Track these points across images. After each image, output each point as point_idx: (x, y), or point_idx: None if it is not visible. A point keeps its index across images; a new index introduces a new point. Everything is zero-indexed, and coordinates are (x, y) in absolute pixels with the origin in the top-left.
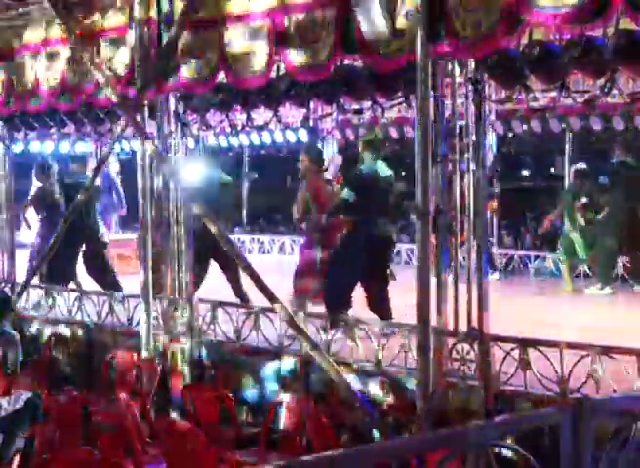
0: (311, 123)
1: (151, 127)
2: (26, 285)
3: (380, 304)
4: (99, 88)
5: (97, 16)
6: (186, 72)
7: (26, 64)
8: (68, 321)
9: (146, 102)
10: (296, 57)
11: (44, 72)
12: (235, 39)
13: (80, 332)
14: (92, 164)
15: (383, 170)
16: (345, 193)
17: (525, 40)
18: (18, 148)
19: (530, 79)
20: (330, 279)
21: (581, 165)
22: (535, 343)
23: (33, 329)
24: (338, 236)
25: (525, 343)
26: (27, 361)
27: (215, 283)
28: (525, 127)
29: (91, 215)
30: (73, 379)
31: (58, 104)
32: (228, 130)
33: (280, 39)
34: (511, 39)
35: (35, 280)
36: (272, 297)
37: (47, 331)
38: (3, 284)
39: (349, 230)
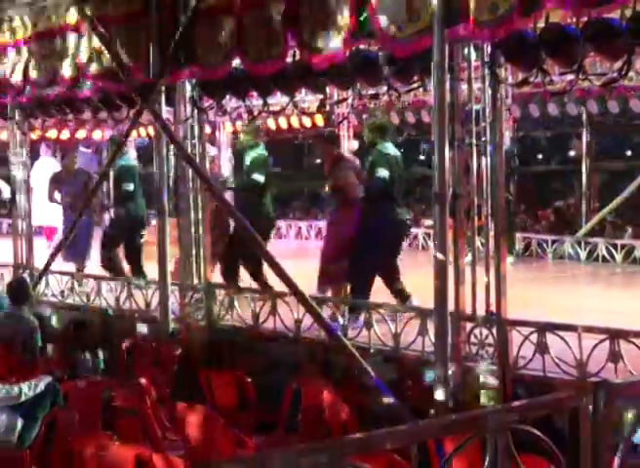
0: (327, 108)
1: (168, 113)
2: (45, 270)
3: (399, 285)
4: (115, 74)
5: (112, 1)
6: (202, 58)
7: (43, 51)
8: (87, 306)
9: (163, 89)
10: (311, 41)
11: (60, 59)
12: (250, 24)
13: (99, 318)
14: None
15: (395, 151)
16: (382, 172)
17: (542, 23)
18: (35, 135)
19: (547, 62)
20: (358, 262)
21: None
22: (553, 327)
23: (52, 314)
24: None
25: (543, 327)
26: (47, 346)
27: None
28: (542, 110)
29: (138, 202)
30: (92, 365)
31: (74, 91)
32: (245, 116)
33: (295, 24)
34: (528, 22)
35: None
36: (290, 282)
37: (66, 317)
38: (22, 270)
39: (377, 212)
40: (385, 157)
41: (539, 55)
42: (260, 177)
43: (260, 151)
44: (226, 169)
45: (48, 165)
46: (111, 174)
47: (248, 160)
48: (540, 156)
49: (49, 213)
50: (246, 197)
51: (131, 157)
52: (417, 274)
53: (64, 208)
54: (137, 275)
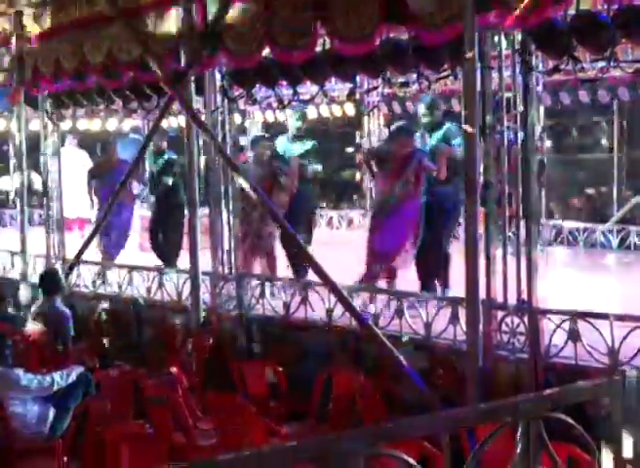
0: (357, 96)
1: (198, 103)
2: (77, 261)
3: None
4: (145, 64)
5: None
6: (232, 47)
7: (73, 42)
8: (119, 296)
9: (192, 78)
10: (341, 29)
11: (91, 49)
12: (280, 13)
13: (131, 308)
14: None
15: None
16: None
17: (572, 10)
18: (66, 126)
19: (577, 49)
20: (431, 249)
21: None
22: (584, 315)
23: (84, 304)
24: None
25: (575, 315)
26: (79, 336)
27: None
28: (573, 98)
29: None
30: (124, 354)
31: (105, 81)
32: (275, 105)
33: (325, 12)
34: (559, 9)
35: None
36: (321, 271)
37: (98, 307)
38: (54, 260)
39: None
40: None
41: (569, 42)
42: (319, 167)
43: (310, 142)
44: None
45: (73, 154)
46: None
47: (300, 150)
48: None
49: (76, 204)
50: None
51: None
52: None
53: (104, 199)
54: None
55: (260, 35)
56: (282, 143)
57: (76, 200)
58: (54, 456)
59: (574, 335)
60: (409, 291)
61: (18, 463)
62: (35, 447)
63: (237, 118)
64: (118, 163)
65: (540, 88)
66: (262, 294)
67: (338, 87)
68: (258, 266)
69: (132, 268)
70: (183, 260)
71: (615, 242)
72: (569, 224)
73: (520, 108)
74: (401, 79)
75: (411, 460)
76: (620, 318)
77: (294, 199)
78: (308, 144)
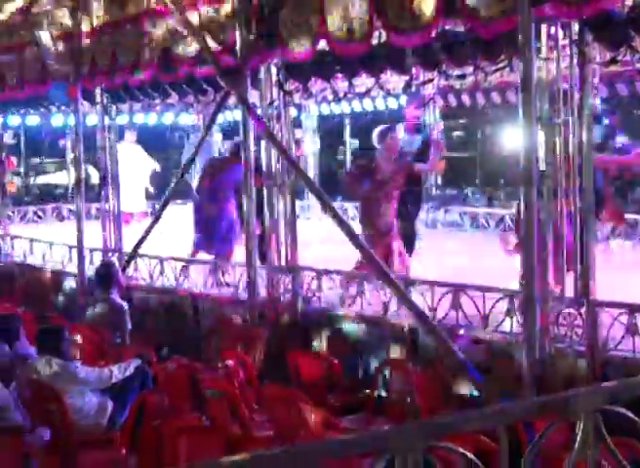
0: (413, 89)
1: (253, 96)
2: (134, 254)
3: None
4: (201, 58)
5: None
6: (288, 40)
7: (130, 36)
8: (175, 289)
9: (249, 72)
10: (396, 22)
11: (147, 44)
12: (335, 5)
13: (187, 301)
14: None
15: None
16: None
17: (630, 1)
18: (122, 120)
19: (635, 40)
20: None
21: None
22: None
23: (141, 297)
24: None
25: (633, 308)
26: (136, 330)
27: (321, 251)
28: (630, 89)
29: None
30: (181, 347)
31: (161, 75)
32: (330, 97)
33: (380, 4)
34: (616, 0)
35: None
36: (377, 265)
37: (155, 300)
38: (110, 254)
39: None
40: None
41: (627, 33)
42: None
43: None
44: (311, 150)
45: (130, 149)
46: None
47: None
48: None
49: (132, 198)
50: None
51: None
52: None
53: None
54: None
55: (316, 28)
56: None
57: (132, 194)
58: (112, 448)
59: (632, 329)
60: (467, 283)
61: (76, 455)
62: (93, 439)
63: (293, 111)
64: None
65: (596, 79)
66: (319, 287)
67: (393, 79)
68: None
69: (188, 261)
70: (241, 253)
71: None
72: (627, 216)
73: (577, 100)
74: (457, 71)
75: (469, 454)
76: None
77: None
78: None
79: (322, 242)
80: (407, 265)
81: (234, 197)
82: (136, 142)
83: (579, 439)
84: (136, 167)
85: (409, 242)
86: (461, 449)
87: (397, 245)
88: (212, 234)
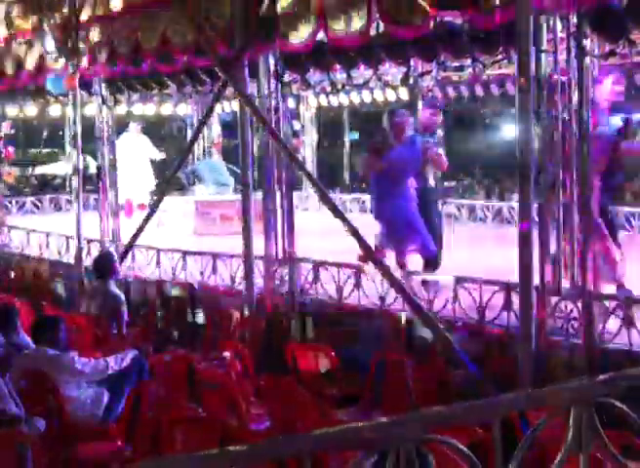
0: (411, 81)
1: (251, 87)
2: (131, 245)
3: None
4: (199, 48)
5: None
6: (286, 31)
7: (128, 26)
8: (173, 280)
9: (247, 62)
10: (394, 13)
11: (144, 34)
12: None
13: (184, 292)
14: None
15: None
16: None
17: None
18: (120, 110)
19: (633, 33)
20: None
21: None
22: (639, 301)
23: (138, 288)
24: None
25: (629, 301)
26: (133, 320)
27: (318, 242)
28: (629, 82)
29: None
30: (178, 338)
31: (159, 66)
32: (328, 89)
33: None
34: None
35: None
36: (373, 256)
37: (152, 291)
38: (108, 244)
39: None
40: None
41: (625, 25)
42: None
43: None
44: (309, 142)
45: (134, 140)
46: None
47: None
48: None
49: (132, 187)
50: None
51: None
52: (502, 248)
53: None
54: None
55: (314, 19)
56: None
57: (135, 185)
58: (108, 439)
59: (628, 321)
60: (464, 275)
61: (72, 446)
62: (89, 430)
63: (291, 103)
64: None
65: (595, 71)
66: (316, 278)
67: (392, 71)
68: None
69: (185, 253)
70: (238, 244)
71: None
72: (623, 209)
73: (575, 92)
74: (455, 63)
75: (463, 447)
76: None
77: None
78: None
79: (319, 233)
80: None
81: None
82: (140, 132)
83: (571, 431)
84: (139, 157)
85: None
86: (455, 442)
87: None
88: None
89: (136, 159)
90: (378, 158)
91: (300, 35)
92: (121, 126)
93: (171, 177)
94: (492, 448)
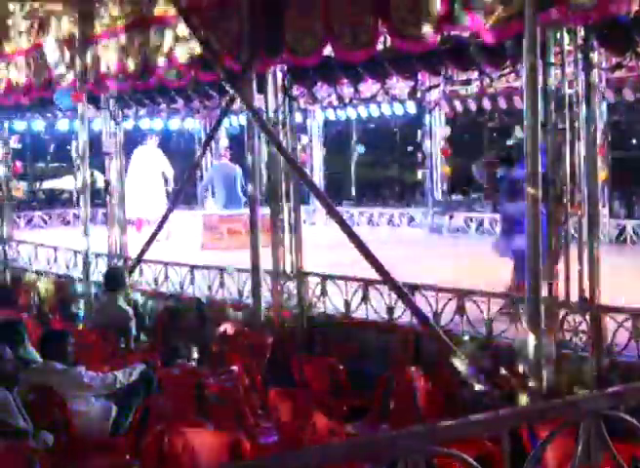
0: (418, 95)
1: (259, 101)
2: (139, 260)
3: None
4: (207, 63)
5: None
6: (293, 45)
7: (136, 42)
8: (181, 295)
9: (254, 76)
10: (402, 28)
11: (152, 49)
12: (341, 11)
13: (193, 306)
14: None
15: None
16: None
17: (636, 6)
18: (128, 125)
19: None
20: None
21: None
22: None
23: (147, 303)
24: None
25: (638, 314)
26: (141, 335)
27: (326, 256)
28: (636, 94)
29: None
30: (186, 352)
31: (167, 81)
32: (336, 103)
33: (386, 10)
34: (622, 5)
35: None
36: (382, 269)
37: (160, 305)
38: (116, 259)
39: None
40: None
41: (633, 38)
42: None
43: None
44: (317, 156)
45: (149, 154)
46: None
47: None
48: (635, 141)
49: (145, 204)
50: None
51: None
52: (510, 261)
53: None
54: None
55: (321, 33)
56: None
57: (147, 200)
58: (116, 454)
59: (637, 334)
60: (471, 289)
61: (80, 460)
62: (97, 444)
63: (298, 117)
64: None
65: (602, 84)
66: (324, 292)
67: (399, 85)
68: None
69: (193, 267)
70: (245, 259)
71: None
72: (632, 222)
73: (583, 105)
74: (462, 77)
75: (471, 460)
76: None
77: None
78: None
79: (327, 247)
80: None
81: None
82: (157, 147)
83: (581, 443)
84: (152, 171)
85: None
86: (463, 454)
87: None
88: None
89: (148, 173)
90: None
91: (308, 49)
92: (129, 140)
93: (179, 192)
94: (500, 460)
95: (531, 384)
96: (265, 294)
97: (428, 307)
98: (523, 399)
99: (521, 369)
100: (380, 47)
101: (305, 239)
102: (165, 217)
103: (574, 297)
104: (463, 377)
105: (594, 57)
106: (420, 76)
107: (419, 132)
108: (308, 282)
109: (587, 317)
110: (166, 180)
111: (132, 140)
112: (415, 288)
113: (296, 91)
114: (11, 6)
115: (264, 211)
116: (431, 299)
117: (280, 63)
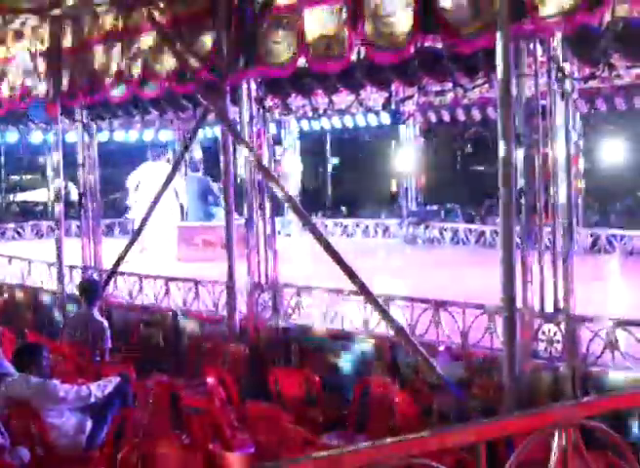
0: (393, 106)
1: (233, 113)
2: (114, 272)
3: None
4: (181, 74)
5: (178, 1)
6: (267, 57)
7: (107, 53)
8: (156, 307)
9: (228, 88)
10: (375, 38)
11: (126, 61)
12: (314, 22)
13: (167, 319)
14: None
15: None
16: None
17: (608, 17)
18: (103, 137)
19: (613, 56)
20: None
21: None
22: (623, 323)
23: (121, 315)
24: None
25: (612, 323)
26: (116, 347)
27: (301, 267)
28: (609, 105)
29: None
30: (161, 365)
31: (141, 92)
32: (310, 114)
33: (359, 21)
34: (594, 16)
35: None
36: (357, 281)
37: (134, 318)
38: (91, 271)
39: None
40: None
41: (605, 49)
42: None
43: None
44: (292, 167)
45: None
46: None
47: None
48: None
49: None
50: None
51: None
52: (485, 271)
53: None
54: None
55: (294, 44)
56: None
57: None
58: (92, 467)
59: (611, 343)
60: (445, 299)
61: None
62: (72, 457)
63: (273, 128)
64: None
65: (575, 95)
66: (299, 304)
67: (373, 96)
68: None
69: (168, 279)
70: (221, 270)
71: None
72: (606, 231)
73: (556, 116)
74: (437, 87)
75: None
76: None
77: None
78: None
79: (302, 258)
80: None
81: None
82: (167, 161)
83: (557, 453)
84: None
85: None
86: (439, 465)
87: None
88: None
89: (164, 199)
90: None
91: (282, 60)
92: (102, 152)
93: (154, 204)
94: None
95: (507, 395)
96: (241, 306)
97: (404, 318)
98: (499, 409)
99: (496, 378)
100: (353, 58)
101: (280, 250)
102: (140, 229)
103: (549, 308)
104: (439, 388)
105: (567, 67)
106: (394, 87)
107: (393, 142)
108: (284, 293)
109: (562, 327)
110: (177, 194)
111: (106, 152)
112: (390, 299)
113: (270, 102)
114: None
115: (239, 222)
116: (406, 310)
117: (254, 75)
